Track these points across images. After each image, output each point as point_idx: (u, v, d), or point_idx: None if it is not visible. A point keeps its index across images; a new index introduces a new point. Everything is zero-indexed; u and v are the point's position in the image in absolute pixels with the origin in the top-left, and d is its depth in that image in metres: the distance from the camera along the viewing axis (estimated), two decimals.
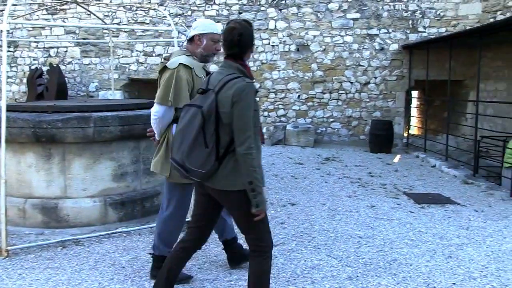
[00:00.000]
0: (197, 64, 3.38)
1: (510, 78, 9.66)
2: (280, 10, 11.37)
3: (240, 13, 11.41)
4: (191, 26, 3.54)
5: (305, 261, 3.97)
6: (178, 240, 3.18)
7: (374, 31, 11.05)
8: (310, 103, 11.47)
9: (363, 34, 11.18)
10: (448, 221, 5.15)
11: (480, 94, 8.54)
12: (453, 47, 9.06)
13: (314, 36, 11.33)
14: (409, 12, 11.06)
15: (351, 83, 11.24)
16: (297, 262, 3.92)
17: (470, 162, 8.59)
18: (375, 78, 11.16)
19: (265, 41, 11.47)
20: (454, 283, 3.57)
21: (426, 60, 10.05)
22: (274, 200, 5.93)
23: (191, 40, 3.40)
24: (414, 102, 12.42)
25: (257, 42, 11.39)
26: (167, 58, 3.44)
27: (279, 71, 11.47)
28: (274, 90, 11.53)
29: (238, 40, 2.64)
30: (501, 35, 8.15)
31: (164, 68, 3.32)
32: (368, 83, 11.19)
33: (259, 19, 11.38)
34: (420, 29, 11.02)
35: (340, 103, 11.32)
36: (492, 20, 9.89)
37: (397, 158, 9.48)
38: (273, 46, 11.47)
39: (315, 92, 11.43)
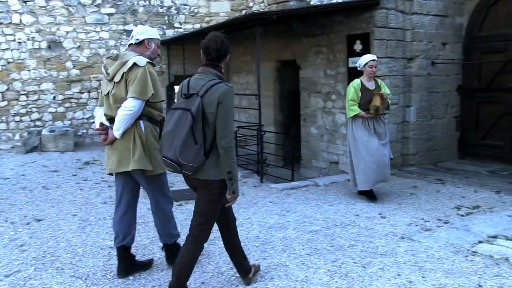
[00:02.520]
0: None
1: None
2: (25, 2, 10.13)
3: None
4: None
5: (43, 287, 3.48)
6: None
7: (130, 26, 10.72)
8: (67, 104, 10.58)
9: (120, 30, 10.80)
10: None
11: (235, 87, 9.03)
12: None
13: (67, 32, 10.46)
14: (164, 8, 11.10)
15: None
16: None
17: None
18: None
19: (10, 37, 10.10)
20: (203, 282, 3.56)
21: (182, 56, 10.22)
22: (17, 218, 5.16)
23: (139, 43, 3.62)
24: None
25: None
26: (115, 59, 3.58)
27: (29, 70, 10.24)
28: (25, 92, 10.26)
29: (218, 49, 3.02)
30: (246, 32, 8.76)
31: (133, 66, 3.41)
32: None
33: (0, 12, 9.96)
34: (176, 25, 11.18)
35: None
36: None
37: None
38: (19, 43, 10.17)
39: (72, 92, 10.59)
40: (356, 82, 5.66)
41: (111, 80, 3.53)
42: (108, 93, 3.55)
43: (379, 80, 5.89)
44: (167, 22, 11.07)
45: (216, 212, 3.13)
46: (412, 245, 4.25)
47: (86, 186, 6.72)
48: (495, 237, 4.41)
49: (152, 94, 3.44)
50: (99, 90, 10.71)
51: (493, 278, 3.55)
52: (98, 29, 10.65)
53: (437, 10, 7.97)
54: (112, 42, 10.72)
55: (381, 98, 5.49)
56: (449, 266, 3.79)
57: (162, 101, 3.73)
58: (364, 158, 5.57)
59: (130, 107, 3.36)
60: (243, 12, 10.80)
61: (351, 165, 5.84)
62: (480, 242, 4.30)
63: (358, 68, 5.74)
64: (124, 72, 3.43)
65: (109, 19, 10.71)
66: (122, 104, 3.40)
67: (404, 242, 4.33)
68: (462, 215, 5.10)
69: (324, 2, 8.41)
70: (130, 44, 3.66)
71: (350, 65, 7.51)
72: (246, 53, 10.70)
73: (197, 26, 11.16)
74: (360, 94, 5.58)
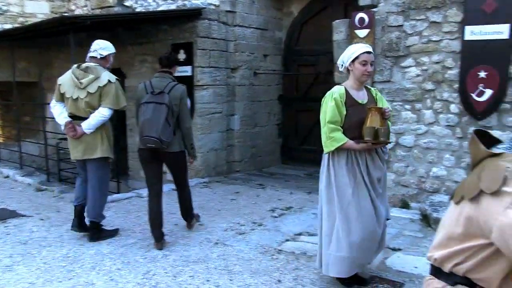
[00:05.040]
0: None
1: None
2: None
3: None
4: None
5: None
6: (152, 192, 4.48)
7: None
8: None
9: None
10: (5, 239, 4.68)
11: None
12: (25, 47, 8.57)
13: None
14: None
15: None
16: None
17: (53, 167, 8.37)
18: None
19: None
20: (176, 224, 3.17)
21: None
22: None
23: (103, 58, 4.51)
24: None
25: None
26: (85, 70, 4.41)
27: None
28: None
29: (173, 60, 4.49)
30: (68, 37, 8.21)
31: (108, 83, 4.39)
32: None
33: None
34: None
35: None
36: None
37: None
38: None
39: None
40: (338, 91, 3.40)
41: (83, 88, 4.38)
42: (77, 98, 4.43)
43: (373, 89, 3.64)
44: None
45: (187, 168, 4.72)
46: (225, 250, 4.34)
47: None
48: (300, 234, 4.75)
49: (125, 106, 4.58)
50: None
51: (291, 272, 3.80)
52: None
53: (258, 24, 8.43)
54: None
55: (381, 117, 3.34)
56: (256, 266, 3.95)
57: (125, 109, 4.77)
58: (350, 226, 3.32)
59: (106, 114, 4.43)
60: (65, 15, 10.11)
61: (320, 234, 3.55)
62: (287, 240, 4.58)
63: (341, 69, 3.52)
64: (99, 86, 4.36)
65: None
66: (98, 111, 4.39)
67: (218, 248, 4.40)
68: (276, 217, 5.40)
69: (150, 10, 8.31)
70: (93, 57, 4.49)
71: (175, 74, 7.49)
72: (68, 60, 10.02)
73: (8, 26, 10.07)
74: (345, 112, 3.35)
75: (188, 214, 4.88)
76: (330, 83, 7.54)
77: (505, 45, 4.90)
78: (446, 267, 1.65)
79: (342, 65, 3.49)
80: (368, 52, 3.37)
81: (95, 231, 4.61)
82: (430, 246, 1.77)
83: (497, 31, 4.93)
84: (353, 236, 3.29)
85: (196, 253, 4.26)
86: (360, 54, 3.34)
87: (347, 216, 3.32)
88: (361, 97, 3.46)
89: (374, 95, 3.57)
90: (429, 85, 5.44)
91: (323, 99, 3.48)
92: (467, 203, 1.57)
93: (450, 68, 5.30)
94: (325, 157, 3.50)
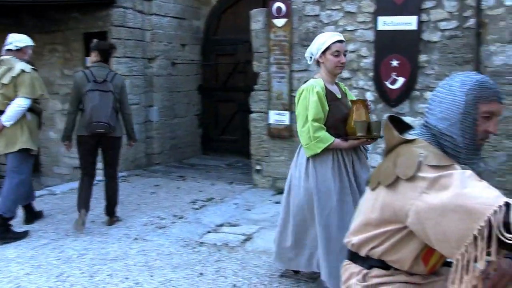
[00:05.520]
0: None
1: None
2: None
3: None
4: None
5: None
6: (86, 177, 4.69)
7: None
8: None
9: None
10: None
11: None
12: None
13: None
14: None
15: None
16: None
17: None
18: None
19: None
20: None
21: None
22: None
23: (18, 49, 4.49)
24: None
25: None
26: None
27: None
28: None
29: (110, 52, 4.74)
30: None
31: (21, 72, 4.35)
32: None
33: None
34: None
35: None
36: None
37: None
38: None
39: None
40: (318, 84, 3.06)
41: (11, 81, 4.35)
42: None
43: (339, 83, 3.37)
44: None
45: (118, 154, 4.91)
46: (144, 245, 4.24)
47: None
48: (221, 225, 4.75)
49: (42, 94, 4.51)
50: None
51: (213, 264, 3.79)
52: None
53: (175, 13, 8.23)
54: None
55: (366, 110, 3.06)
56: (177, 260, 3.90)
57: (46, 98, 4.82)
58: (330, 236, 3.00)
59: (23, 104, 4.36)
60: None
61: (281, 229, 3.34)
62: (208, 232, 4.56)
63: (309, 62, 3.22)
64: (12, 77, 4.32)
65: None
66: (14, 102, 4.33)
67: (137, 244, 4.29)
68: (197, 209, 5.35)
69: None
70: (9, 50, 4.45)
71: (89, 64, 7.16)
72: None
73: None
74: (327, 108, 3.06)
75: (113, 209, 4.80)
76: (249, 73, 7.65)
77: (414, 36, 5.19)
78: (363, 252, 1.71)
79: (311, 57, 3.16)
80: (340, 41, 3.07)
81: (1, 229, 4.37)
82: (347, 232, 1.82)
83: (406, 22, 5.21)
84: (333, 245, 2.96)
85: (114, 250, 4.12)
86: (332, 44, 3.03)
87: (327, 224, 2.99)
88: (336, 91, 3.17)
89: (343, 89, 3.30)
90: (345, 74, 5.63)
91: (298, 94, 3.12)
92: (383, 189, 1.62)
93: (365, 57, 5.51)
94: (301, 157, 3.13)
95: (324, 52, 3.06)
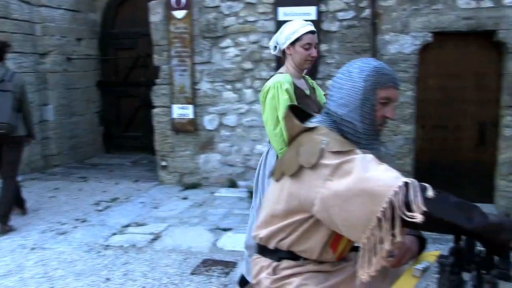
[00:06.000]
0: None
1: None
2: None
3: None
4: None
5: None
6: None
7: None
8: None
9: None
10: None
11: None
12: None
13: None
14: None
15: None
16: None
17: None
18: None
19: None
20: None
21: None
22: None
23: None
24: None
25: None
26: None
27: None
28: None
29: (4, 49, 4.53)
30: None
31: None
32: None
33: None
34: None
35: None
36: None
37: None
38: None
39: None
40: (287, 80, 2.73)
41: None
42: None
43: (306, 76, 3.00)
44: None
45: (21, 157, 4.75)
46: (43, 255, 3.95)
47: None
48: (128, 226, 4.56)
49: None
50: None
51: (121, 268, 3.64)
52: None
53: (69, 5, 7.73)
54: None
55: None
56: (81, 267, 3.68)
57: None
58: None
59: None
60: None
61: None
62: (114, 234, 4.36)
63: (273, 52, 2.89)
64: None
65: None
66: None
67: (35, 254, 3.98)
68: (100, 210, 5.10)
69: None
70: None
71: None
72: None
73: None
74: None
75: (7, 214, 4.47)
76: (150, 67, 7.41)
77: (314, 26, 5.29)
78: (271, 244, 1.68)
79: (275, 46, 2.81)
80: (313, 32, 2.74)
81: None
82: (254, 226, 1.78)
83: (306, 12, 5.32)
84: None
85: (6, 265, 3.77)
86: (303, 35, 2.69)
87: None
88: (304, 86, 2.83)
89: (310, 83, 2.96)
90: (248, 65, 5.64)
91: (263, 93, 2.74)
92: (288, 180, 1.60)
93: (266, 48, 5.55)
94: (271, 158, 2.82)
95: (293, 43, 2.72)
